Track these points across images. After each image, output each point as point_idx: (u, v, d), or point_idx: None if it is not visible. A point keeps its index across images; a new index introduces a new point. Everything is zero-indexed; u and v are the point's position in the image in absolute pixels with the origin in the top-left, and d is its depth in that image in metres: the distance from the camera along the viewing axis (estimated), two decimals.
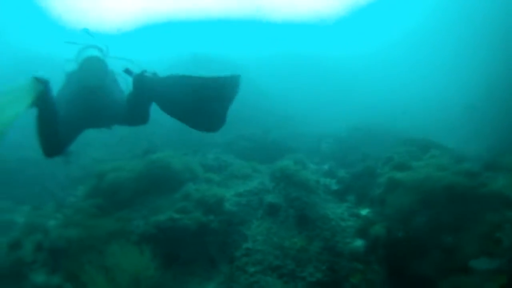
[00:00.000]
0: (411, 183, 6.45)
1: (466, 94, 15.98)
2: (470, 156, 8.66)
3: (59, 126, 3.69)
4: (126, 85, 4.37)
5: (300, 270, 5.63)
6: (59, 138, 3.78)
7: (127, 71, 3.99)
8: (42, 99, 3.41)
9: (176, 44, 22.82)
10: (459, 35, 21.22)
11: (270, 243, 6.01)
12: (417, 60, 22.87)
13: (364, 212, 7.10)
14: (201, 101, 3.92)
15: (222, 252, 6.18)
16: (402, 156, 8.28)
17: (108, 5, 30.85)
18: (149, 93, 3.99)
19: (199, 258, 6.15)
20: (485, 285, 4.76)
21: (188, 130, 4.32)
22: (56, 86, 4.01)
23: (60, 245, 6.30)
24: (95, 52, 4.15)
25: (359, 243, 6.25)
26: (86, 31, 4.64)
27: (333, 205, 7.35)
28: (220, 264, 6.01)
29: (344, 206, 7.39)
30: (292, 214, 6.61)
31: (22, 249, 6.60)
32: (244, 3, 29.91)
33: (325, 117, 14.65)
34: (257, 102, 13.73)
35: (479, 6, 19.52)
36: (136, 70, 4.05)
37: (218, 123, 4.09)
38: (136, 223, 6.67)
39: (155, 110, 4.12)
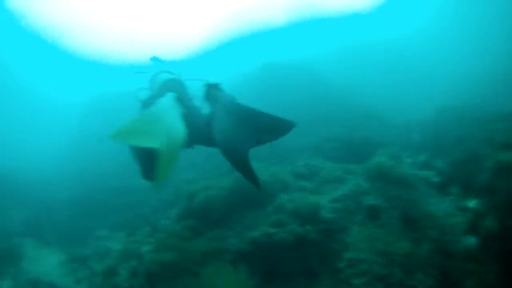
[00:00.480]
0: None
1: None
2: None
3: None
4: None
5: (409, 278, 5.12)
6: None
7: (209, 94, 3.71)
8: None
9: (244, 59, 22.81)
10: None
11: (374, 250, 5.44)
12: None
13: (471, 204, 6.36)
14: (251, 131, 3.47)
15: (323, 264, 5.76)
16: (505, 133, 7.45)
17: (173, 33, 32.40)
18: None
19: (300, 273, 5.82)
20: None
21: None
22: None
23: (155, 270, 6.31)
24: (169, 76, 4.23)
25: (471, 240, 5.56)
26: (155, 59, 4.74)
27: (437, 199, 6.69)
28: (322, 277, 5.62)
29: (448, 200, 6.68)
30: (394, 215, 5.99)
31: (118, 276, 6.73)
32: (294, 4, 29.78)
33: (405, 104, 13.79)
34: (335, 99, 13.18)
35: None
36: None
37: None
38: (230, 241, 6.55)
39: None
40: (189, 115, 3.92)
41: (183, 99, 3.95)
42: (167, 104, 3.55)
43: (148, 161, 3.50)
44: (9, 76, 26.28)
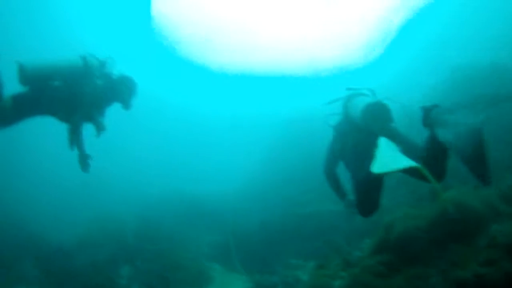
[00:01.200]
0: None
1: None
2: None
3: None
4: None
5: None
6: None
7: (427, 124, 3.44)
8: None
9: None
10: None
11: None
12: None
13: None
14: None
15: None
16: None
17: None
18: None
19: None
20: None
21: None
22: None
23: None
24: (369, 99, 4.13)
25: None
26: (351, 88, 4.55)
27: None
28: None
29: None
30: None
31: None
32: None
33: None
34: None
35: None
36: None
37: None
38: (432, 281, 5.46)
39: None
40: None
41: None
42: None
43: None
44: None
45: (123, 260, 9.33)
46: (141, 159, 21.66)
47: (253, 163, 17.28)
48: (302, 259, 9.05)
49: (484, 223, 5.80)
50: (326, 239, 9.32)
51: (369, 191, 3.79)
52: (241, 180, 15.92)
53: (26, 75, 4.32)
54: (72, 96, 4.63)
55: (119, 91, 5.15)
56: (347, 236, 9.02)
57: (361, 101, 4.06)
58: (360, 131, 4.03)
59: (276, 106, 21.85)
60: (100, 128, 5.07)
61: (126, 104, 5.30)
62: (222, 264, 10.04)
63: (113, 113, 5.50)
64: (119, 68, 5.23)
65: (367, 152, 3.57)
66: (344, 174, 4.42)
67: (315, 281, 7.02)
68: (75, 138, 4.90)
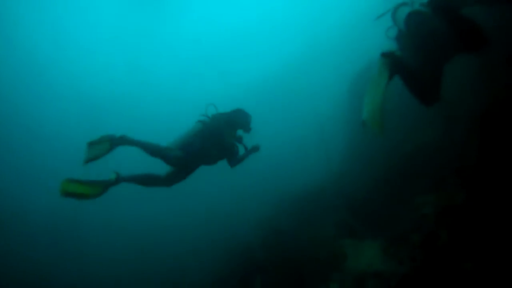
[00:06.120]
0: None
1: None
2: None
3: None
4: None
5: None
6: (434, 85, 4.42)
7: None
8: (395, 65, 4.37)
9: None
10: None
11: None
12: None
13: None
14: None
15: None
16: None
17: None
18: None
19: None
20: None
21: None
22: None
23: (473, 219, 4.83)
24: (407, 9, 4.64)
25: None
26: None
27: None
28: None
29: None
30: None
31: (440, 239, 5.48)
32: None
33: None
34: None
35: None
36: None
37: None
38: None
39: None
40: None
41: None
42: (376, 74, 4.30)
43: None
44: None
45: (254, 272, 9.21)
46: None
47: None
48: (424, 195, 8.22)
49: None
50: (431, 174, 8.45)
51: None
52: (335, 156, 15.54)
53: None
54: (213, 138, 6.08)
55: (237, 119, 6.59)
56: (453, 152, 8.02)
57: (403, 12, 4.62)
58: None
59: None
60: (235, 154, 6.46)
61: (247, 129, 6.80)
62: (352, 238, 9.58)
63: None
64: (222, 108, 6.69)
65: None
66: None
67: (437, 206, 6.26)
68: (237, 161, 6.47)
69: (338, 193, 12.17)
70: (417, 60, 4.38)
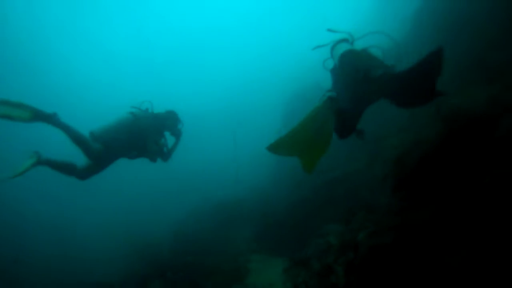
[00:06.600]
0: None
1: None
2: None
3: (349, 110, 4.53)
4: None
5: None
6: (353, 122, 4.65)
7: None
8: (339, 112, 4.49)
9: None
10: None
11: None
12: None
13: None
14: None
15: None
16: None
17: None
18: None
19: None
20: None
21: None
22: None
23: (371, 258, 4.83)
24: (345, 46, 4.76)
25: None
26: (331, 30, 5.27)
27: None
28: None
29: None
30: None
31: (334, 274, 5.52)
32: None
33: None
34: None
35: None
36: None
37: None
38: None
39: None
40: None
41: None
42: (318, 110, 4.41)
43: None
44: None
45: (154, 275, 8.93)
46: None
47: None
48: (336, 223, 8.36)
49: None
50: (355, 196, 8.65)
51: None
52: (264, 171, 15.73)
53: (99, 140, 5.54)
54: (137, 139, 5.98)
55: (167, 122, 6.59)
56: (371, 186, 8.25)
57: (340, 49, 4.72)
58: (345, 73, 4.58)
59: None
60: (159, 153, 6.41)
61: (174, 131, 6.74)
62: (259, 253, 9.61)
63: None
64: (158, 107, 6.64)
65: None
66: None
67: (342, 239, 6.37)
68: (161, 154, 6.41)
69: (256, 208, 12.22)
70: (344, 97, 4.52)
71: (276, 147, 4.39)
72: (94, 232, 16.32)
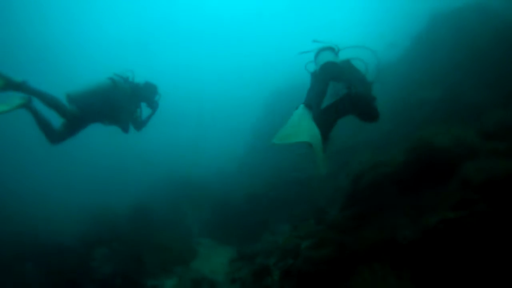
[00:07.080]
0: None
1: None
2: None
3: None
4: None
5: None
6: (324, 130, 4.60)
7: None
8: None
9: None
10: None
11: None
12: None
13: None
14: None
15: None
16: None
17: None
18: None
19: None
20: None
21: None
22: None
23: (307, 269, 4.99)
24: (328, 57, 4.99)
25: None
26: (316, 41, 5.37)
27: None
28: None
29: None
30: None
31: (271, 276, 5.68)
32: None
33: None
34: None
35: None
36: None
37: None
38: (402, 232, 4.76)
39: None
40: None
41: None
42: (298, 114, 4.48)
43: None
44: None
45: (102, 242, 8.94)
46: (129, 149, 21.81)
47: (240, 140, 17.23)
48: (290, 224, 8.52)
49: (458, 163, 5.04)
50: (312, 201, 8.82)
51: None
52: (229, 157, 16.19)
53: (75, 102, 5.49)
54: (112, 107, 5.91)
55: (144, 94, 6.52)
56: (330, 197, 8.41)
57: (324, 57, 4.98)
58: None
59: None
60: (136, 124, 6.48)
61: (151, 103, 6.65)
62: (211, 238, 9.74)
63: None
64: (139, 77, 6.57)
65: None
66: None
67: (286, 244, 6.51)
68: (134, 124, 6.44)
69: (217, 193, 12.44)
70: (317, 105, 4.56)
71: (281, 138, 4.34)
72: (57, 195, 16.21)
